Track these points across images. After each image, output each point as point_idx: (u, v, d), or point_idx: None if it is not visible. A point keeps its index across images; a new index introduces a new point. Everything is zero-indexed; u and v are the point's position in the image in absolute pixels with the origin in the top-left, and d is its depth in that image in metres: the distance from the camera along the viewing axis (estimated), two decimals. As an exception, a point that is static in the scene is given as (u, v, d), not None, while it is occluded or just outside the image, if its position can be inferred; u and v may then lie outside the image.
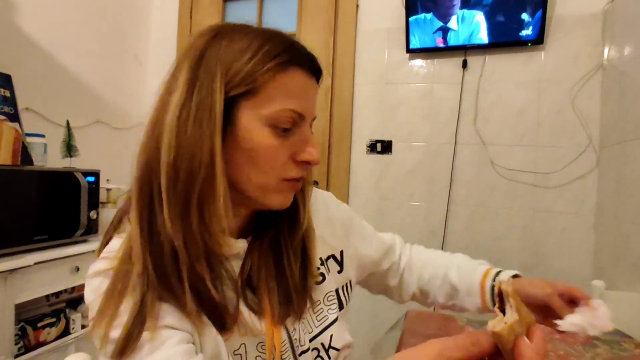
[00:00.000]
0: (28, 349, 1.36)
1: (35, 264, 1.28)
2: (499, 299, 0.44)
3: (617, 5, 1.52)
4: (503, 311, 0.42)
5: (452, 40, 1.76)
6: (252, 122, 0.46)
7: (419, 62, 1.89)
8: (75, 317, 1.53)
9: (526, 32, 1.66)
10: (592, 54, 1.63)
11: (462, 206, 1.82)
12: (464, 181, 1.82)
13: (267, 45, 0.46)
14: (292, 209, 0.54)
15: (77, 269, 1.47)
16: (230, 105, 0.45)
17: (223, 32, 0.48)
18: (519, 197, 1.74)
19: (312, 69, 0.49)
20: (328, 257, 0.61)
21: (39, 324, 1.40)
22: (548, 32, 1.67)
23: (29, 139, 1.50)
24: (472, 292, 0.66)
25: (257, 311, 0.50)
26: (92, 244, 1.54)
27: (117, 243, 0.49)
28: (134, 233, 0.45)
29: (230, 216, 0.45)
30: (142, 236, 0.44)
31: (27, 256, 1.27)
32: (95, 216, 1.57)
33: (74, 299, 1.64)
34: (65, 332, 1.49)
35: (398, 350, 0.79)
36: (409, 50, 1.84)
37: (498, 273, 0.66)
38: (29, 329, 1.36)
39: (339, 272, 0.62)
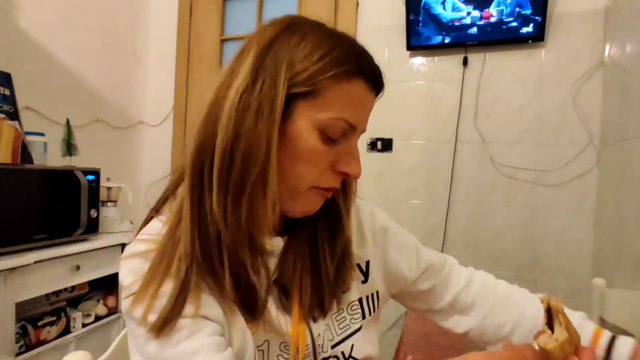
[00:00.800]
0: (29, 347, 1.36)
1: (35, 262, 1.28)
2: (547, 315, 0.43)
3: (619, 1, 1.51)
4: (550, 328, 0.42)
5: (453, 38, 1.75)
6: (304, 124, 0.45)
7: (419, 60, 1.88)
8: (76, 315, 1.54)
9: (527, 29, 1.65)
10: (593, 51, 1.62)
11: (462, 204, 1.82)
12: (464, 179, 1.81)
13: (338, 50, 0.45)
14: (334, 214, 0.54)
15: (78, 268, 1.47)
16: (289, 102, 0.44)
17: (296, 26, 0.47)
18: (519, 195, 1.74)
19: (375, 82, 0.49)
20: None
21: (40, 323, 1.40)
22: (549, 29, 1.67)
23: (28, 138, 1.50)
24: None
25: (285, 310, 0.50)
26: (92, 243, 1.54)
27: (156, 225, 0.49)
28: (185, 210, 0.45)
29: (277, 211, 0.45)
30: (192, 214, 0.45)
31: (27, 255, 1.27)
32: (95, 215, 1.57)
33: (74, 298, 1.64)
34: (66, 330, 1.50)
35: (398, 348, 0.79)
36: (409, 48, 1.84)
37: (613, 338, 0.56)
38: (29, 327, 1.37)
39: (363, 282, 0.60)
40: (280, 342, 0.50)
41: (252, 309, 0.47)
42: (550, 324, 0.42)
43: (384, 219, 0.65)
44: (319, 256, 0.53)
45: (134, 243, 0.48)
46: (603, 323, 1.19)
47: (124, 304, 0.45)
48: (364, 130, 0.50)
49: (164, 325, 0.41)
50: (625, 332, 1.09)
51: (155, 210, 0.52)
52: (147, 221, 0.52)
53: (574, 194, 1.66)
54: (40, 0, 1.73)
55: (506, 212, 1.76)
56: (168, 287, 0.43)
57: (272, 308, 0.50)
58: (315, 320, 0.52)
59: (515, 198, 1.74)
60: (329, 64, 0.44)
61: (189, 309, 0.43)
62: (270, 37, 0.46)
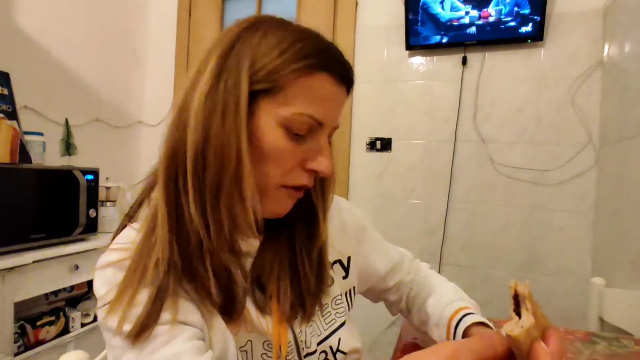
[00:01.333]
0: (27, 347, 1.36)
1: (34, 262, 1.28)
2: (514, 302, 0.43)
3: (618, 1, 1.51)
4: (518, 314, 0.42)
5: (452, 37, 1.75)
6: (267, 121, 0.44)
7: (418, 60, 1.88)
8: (75, 315, 1.53)
9: (526, 28, 1.65)
10: (592, 51, 1.63)
11: (461, 203, 1.82)
12: (464, 178, 1.82)
13: (299, 45, 0.44)
14: (311, 216, 0.54)
15: (76, 267, 1.47)
16: (252, 100, 0.44)
17: (259, 24, 0.46)
18: (518, 195, 1.74)
19: (343, 77, 0.47)
20: (335, 262, 0.61)
21: (38, 323, 1.40)
22: (548, 29, 1.67)
23: (27, 137, 1.50)
24: (440, 324, 0.64)
25: (265, 310, 0.50)
26: (91, 243, 1.54)
27: (129, 233, 0.48)
28: (161, 217, 0.44)
29: (258, 211, 0.45)
30: (170, 221, 0.44)
31: (25, 254, 1.27)
32: (94, 214, 1.57)
33: (73, 298, 1.64)
34: (65, 330, 1.49)
35: (397, 347, 0.79)
36: (408, 48, 1.84)
37: (466, 315, 0.62)
38: (28, 327, 1.37)
39: (344, 277, 0.62)
40: (263, 341, 0.50)
41: (230, 311, 0.47)
42: (517, 310, 0.42)
43: (362, 218, 0.69)
44: (296, 259, 0.52)
45: (108, 252, 0.47)
46: (602, 322, 1.19)
47: (99, 315, 0.44)
48: (336, 126, 0.49)
49: (139, 334, 0.41)
50: (624, 332, 1.09)
51: (129, 217, 0.51)
52: (120, 229, 0.51)
53: (573, 194, 1.66)
54: None
55: (505, 212, 1.76)
56: (143, 296, 0.42)
57: (252, 308, 0.49)
58: (296, 318, 0.52)
59: (514, 197, 1.74)
60: (290, 59, 0.43)
61: (165, 315, 0.42)
62: (233, 36, 0.45)
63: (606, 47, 1.59)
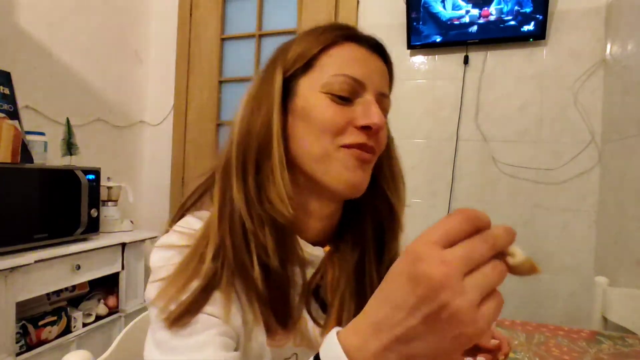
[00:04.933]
0: (29, 347, 1.36)
1: (36, 262, 1.28)
2: None
3: (620, -1, 1.51)
4: None
5: (453, 36, 1.75)
6: (310, 92, 0.48)
7: (420, 59, 1.88)
8: (76, 315, 1.53)
9: (528, 27, 1.64)
10: (595, 49, 1.62)
11: (463, 203, 1.81)
12: (466, 178, 1.81)
13: (323, 27, 0.50)
14: (382, 228, 0.53)
15: (78, 267, 1.46)
16: (291, 84, 0.49)
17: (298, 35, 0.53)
18: (521, 194, 1.73)
19: (372, 45, 0.50)
20: None
21: (40, 322, 1.40)
22: (550, 27, 1.66)
23: (29, 137, 1.50)
24: None
25: (321, 324, 0.49)
26: (93, 242, 1.54)
27: (192, 220, 0.50)
28: (214, 208, 0.47)
29: (287, 184, 0.46)
30: (222, 211, 0.47)
31: (27, 254, 1.27)
32: (95, 214, 1.57)
33: (75, 297, 1.64)
34: (67, 330, 1.49)
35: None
36: (410, 47, 1.83)
37: None
38: (30, 327, 1.36)
39: None
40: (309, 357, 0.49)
41: (282, 315, 0.46)
42: None
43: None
44: (364, 280, 0.50)
45: (170, 234, 0.49)
46: (605, 321, 1.19)
47: (150, 288, 0.45)
48: (381, 93, 0.50)
49: (180, 318, 0.42)
50: (628, 331, 1.09)
51: (185, 208, 0.53)
52: (180, 216, 0.52)
53: (575, 192, 1.66)
54: None
55: (508, 211, 1.75)
56: (195, 284, 0.43)
57: (308, 320, 0.48)
58: None
59: (516, 196, 1.74)
60: (316, 38, 0.49)
61: (208, 307, 0.43)
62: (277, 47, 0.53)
63: (609, 45, 1.58)
